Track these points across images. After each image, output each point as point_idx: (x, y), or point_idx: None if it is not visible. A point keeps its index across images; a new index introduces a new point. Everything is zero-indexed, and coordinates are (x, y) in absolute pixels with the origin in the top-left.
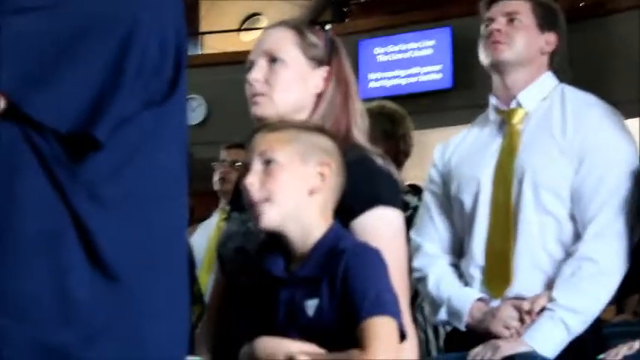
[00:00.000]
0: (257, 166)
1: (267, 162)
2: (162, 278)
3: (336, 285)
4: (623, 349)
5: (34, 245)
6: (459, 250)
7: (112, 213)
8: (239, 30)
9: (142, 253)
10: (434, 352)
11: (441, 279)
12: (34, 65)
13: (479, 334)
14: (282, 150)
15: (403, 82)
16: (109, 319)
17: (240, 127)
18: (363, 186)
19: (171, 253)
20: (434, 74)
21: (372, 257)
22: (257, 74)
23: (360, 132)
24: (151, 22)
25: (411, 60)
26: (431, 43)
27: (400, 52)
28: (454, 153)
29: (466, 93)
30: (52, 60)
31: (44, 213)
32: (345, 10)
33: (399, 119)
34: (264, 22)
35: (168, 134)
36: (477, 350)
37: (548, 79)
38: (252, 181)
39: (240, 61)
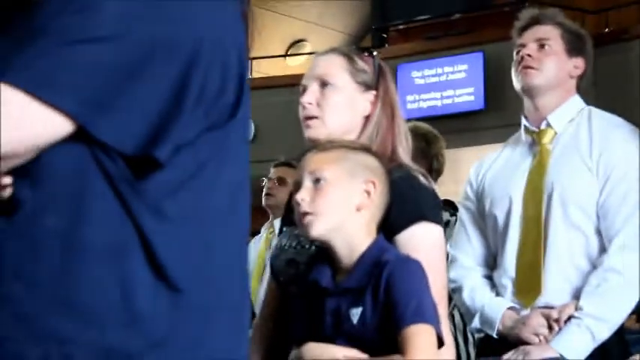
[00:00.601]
0: (307, 183)
1: (317, 180)
2: (223, 289)
3: (379, 295)
4: None
5: (101, 257)
6: (491, 263)
7: (174, 228)
8: (285, 55)
9: (203, 265)
10: (464, 358)
11: (474, 289)
12: (101, 91)
13: (510, 341)
14: (331, 169)
15: (438, 103)
16: (171, 328)
17: (285, 146)
18: (407, 202)
19: (231, 264)
20: (467, 96)
21: (413, 269)
22: (309, 98)
23: (404, 151)
24: (213, 48)
25: (446, 83)
26: (464, 67)
27: (436, 75)
28: (488, 171)
29: (497, 114)
30: (118, 86)
31: (111, 227)
32: (384, 36)
33: (432, 139)
34: (308, 47)
35: (229, 155)
36: (508, 356)
37: (576, 102)
38: (303, 197)
39: (285, 85)
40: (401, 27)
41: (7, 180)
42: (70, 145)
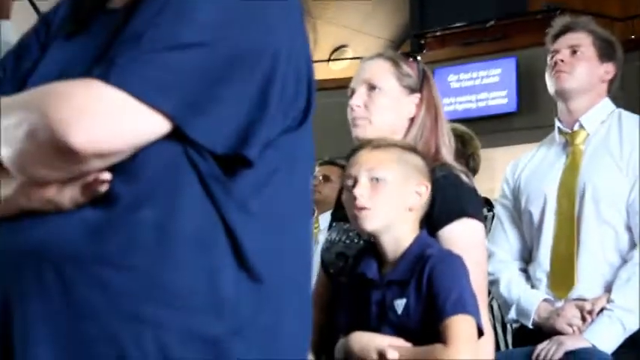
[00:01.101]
0: (364, 180)
1: (376, 179)
2: (295, 279)
3: (422, 287)
4: None
5: (191, 248)
6: (527, 257)
7: (257, 223)
8: (328, 60)
9: (280, 258)
10: (502, 347)
11: (511, 282)
12: (195, 93)
13: (544, 331)
14: (389, 169)
15: (473, 106)
16: (252, 315)
17: (329, 145)
18: (450, 200)
19: (301, 257)
20: (500, 99)
21: (454, 263)
22: (358, 100)
23: (447, 151)
24: (288, 55)
25: (481, 86)
26: (498, 71)
27: (471, 79)
28: (523, 170)
29: (528, 116)
30: (211, 89)
31: (200, 220)
32: (422, 42)
33: (468, 140)
34: (349, 53)
35: (301, 156)
36: (543, 345)
37: (607, 105)
38: (362, 193)
39: (329, 88)
40: (438, 33)
41: (107, 176)
42: (164, 144)
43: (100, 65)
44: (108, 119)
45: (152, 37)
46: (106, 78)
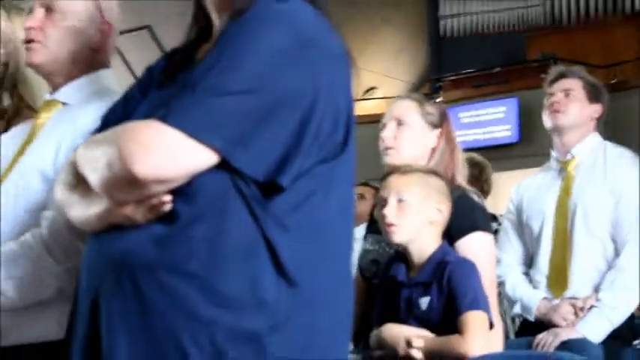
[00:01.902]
0: (393, 201)
1: (400, 200)
2: (329, 283)
3: (443, 287)
4: None
5: (237, 257)
6: (528, 262)
7: (292, 237)
8: (360, 99)
9: (314, 265)
10: (512, 336)
11: (516, 283)
12: (240, 131)
13: (543, 324)
14: (412, 191)
15: (481, 137)
16: (289, 314)
17: (362, 170)
18: (465, 216)
19: (336, 264)
20: (504, 132)
21: (469, 268)
22: (388, 133)
23: (461, 176)
24: (328, 95)
25: (487, 121)
26: (503, 109)
27: (479, 115)
28: (525, 192)
29: (527, 146)
30: (253, 128)
31: (245, 235)
32: (439, 85)
33: (483, 167)
34: (378, 93)
35: (338, 183)
36: (542, 335)
37: (595, 138)
38: (390, 212)
39: (360, 122)
40: (452, 77)
41: (168, 198)
42: (215, 172)
43: (163, 108)
44: (164, 153)
45: (205, 86)
46: (164, 119)
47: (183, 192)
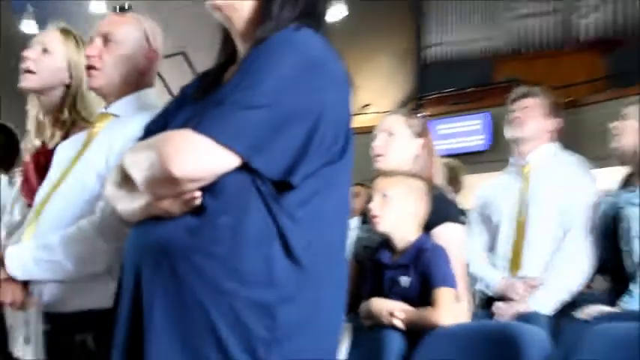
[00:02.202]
0: (377, 197)
1: (384, 195)
2: (330, 265)
3: (420, 268)
4: (588, 309)
5: (254, 243)
6: (490, 248)
7: (300, 226)
8: (357, 114)
9: (318, 250)
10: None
11: (479, 265)
12: (259, 139)
13: (502, 298)
14: (394, 189)
15: (456, 145)
16: (296, 289)
17: (357, 173)
18: (440, 210)
19: (336, 249)
20: (478, 140)
21: (441, 253)
22: (379, 142)
23: (438, 178)
24: (330, 112)
25: (463, 132)
26: (477, 122)
27: (456, 127)
28: (488, 191)
29: (496, 152)
30: (269, 137)
31: (261, 224)
32: (421, 102)
33: (457, 170)
34: (372, 108)
35: (337, 183)
36: (499, 304)
37: (549, 147)
38: (375, 206)
39: (357, 133)
40: (433, 96)
41: (198, 194)
42: (237, 172)
43: (195, 119)
44: (195, 156)
45: (230, 101)
46: (196, 128)
47: (210, 189)
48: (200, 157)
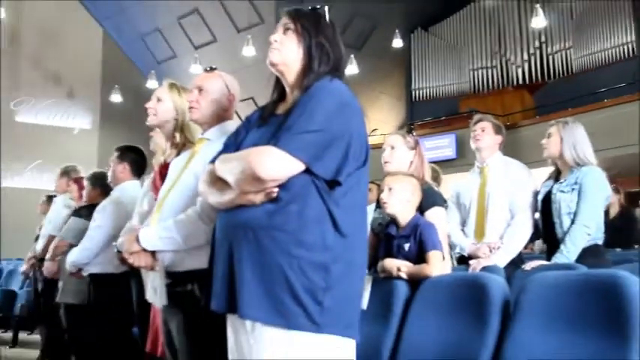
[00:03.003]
0: (386, 189)
1: (390, 189)
2: (360, 235)
3: (417, 237)
4: (531, 263)
5: (313, 222)
6: (462, 224)
7: (343, 210)
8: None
9: (353, 225)
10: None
11: (456, 235)
12: (316, 151)
13: (471, 257)
14: (395, 184)
15: (435, 155)
16: (341, 253)
17: (371, 173)
18: (429, 198)
19: (362, 225)
20: (448, 152)
21: (431, 227)
22: (386, 153)
23: (428, 177)
24: (357, 134)
25: (439, 146)
26: (448, 139)
27: (435, 143)
28: (461, 185)
29: (460, 160)
30: (323, 150)
31: (317, 209)
32: (411, 127)
33: (438, 172)
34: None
35: (363, 180)
36: (472, 262)
37: (499, 154)
38: (384, 195)
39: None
40: (419, 122)
41: (275, 189)
42: (302, 174)
43: (273, 140)
44: (275, 164)
45: (295, 128)
46: (275, 145)
47: (283, 185)
48: (279, 164)
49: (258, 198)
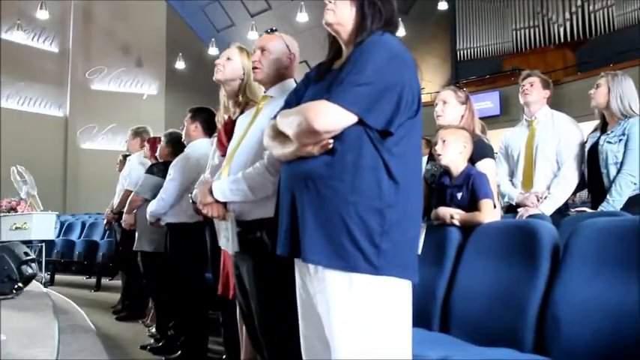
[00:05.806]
0: (440, 142)
1: (444, 141)
2: (413, 183)
3: (469, 186)
4: (577, 209)
5: (368, 170)
6: (511, 174)
7: (396, 158)
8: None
9: (406, 173)
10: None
11: (505, 185)
12: (368, 104)
13: (520, 205)
14: (448, 136)
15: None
16: (395, 199)
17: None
18: (480, 150)
19: (416, 173)
20: (493, 109)
21: (482, 176)
22: (438, 108)
23: (478, 129)
24: (409, 85)
25: (484, 103)
26: (492, 97)
27: (480, 100)
28: (508, 137)
29: (504, 116)
30: (375, 102)
31: (372, 158)
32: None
33: (484, 127)
34: (427, 90)
35: (415, 131)
36: (520, 210)
37: (546, 108)
38: (438, 147)
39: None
40: (465, 81)
41: (331, 141)
42: (355, 126)
43: (327, 94)
44: (330, 116)
45: (348, 81)
46: (328, 99)
47: (338, 137)
48: (332, 117)
49: (316, 149)
